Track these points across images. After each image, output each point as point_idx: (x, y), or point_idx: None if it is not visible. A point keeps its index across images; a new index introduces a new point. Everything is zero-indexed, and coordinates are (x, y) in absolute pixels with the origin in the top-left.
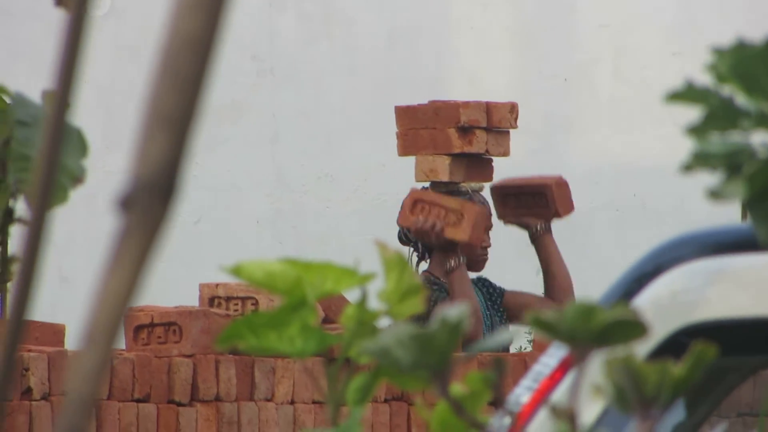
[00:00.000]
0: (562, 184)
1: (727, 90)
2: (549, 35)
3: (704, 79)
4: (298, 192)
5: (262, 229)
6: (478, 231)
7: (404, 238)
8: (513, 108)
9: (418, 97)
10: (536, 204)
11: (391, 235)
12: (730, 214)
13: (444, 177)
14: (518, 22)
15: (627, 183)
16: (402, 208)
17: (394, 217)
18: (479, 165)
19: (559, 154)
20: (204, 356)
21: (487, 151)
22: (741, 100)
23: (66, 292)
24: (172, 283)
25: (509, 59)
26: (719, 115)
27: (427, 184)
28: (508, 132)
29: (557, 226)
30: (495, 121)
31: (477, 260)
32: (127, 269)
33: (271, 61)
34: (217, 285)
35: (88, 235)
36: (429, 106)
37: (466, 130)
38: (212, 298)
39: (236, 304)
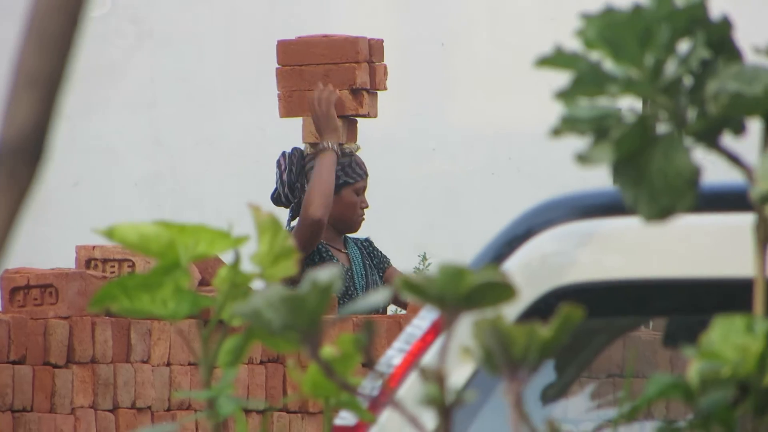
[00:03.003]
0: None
1: (596, 56)
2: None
3: (575, 44)
4: (176, 155)
5: (140, 192)
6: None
7: (281, 199)
8: (386, 70)
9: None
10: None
11: (268, 199)
12: (604, 179)
13: None
14: None
15: (503, 147)
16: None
17: (272, 180)
18: (350, 126)
19: (436, 118)
20: (80, 318)
21: (368, 113)
22: (609, 65)
23: None
24: (50, 245)
25: (387, 23)
26: (587, 80)
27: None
28: (377, 94)
29: (433, 186)
30: (376, 83)
31: (355, 220)
32: None
33: (150, 24)
34: (93, 247)
35: None
36: (319, 67)
37: (356, 92)
38: (89, 260)
39: (113, 266)
